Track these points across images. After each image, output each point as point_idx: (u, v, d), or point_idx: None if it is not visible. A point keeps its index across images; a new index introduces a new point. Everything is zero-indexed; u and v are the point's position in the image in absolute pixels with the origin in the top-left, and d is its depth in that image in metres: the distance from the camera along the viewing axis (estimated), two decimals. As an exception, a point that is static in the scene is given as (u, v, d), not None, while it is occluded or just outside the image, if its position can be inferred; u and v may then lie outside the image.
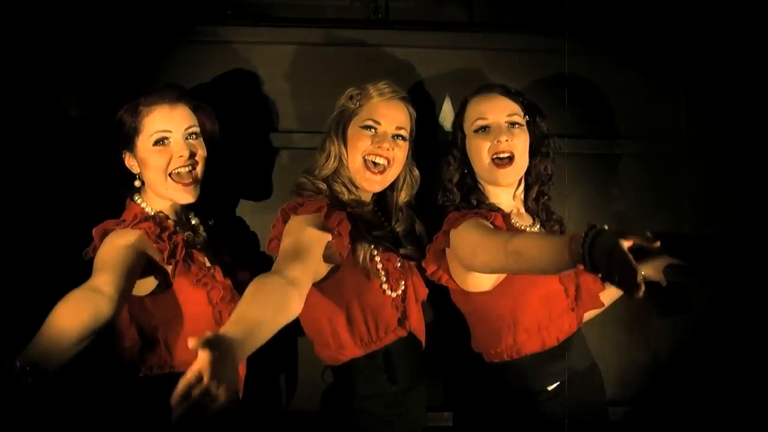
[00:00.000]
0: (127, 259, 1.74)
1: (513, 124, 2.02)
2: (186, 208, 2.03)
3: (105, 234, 1.83)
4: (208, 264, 1.95)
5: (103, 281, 1.67)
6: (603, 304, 2.10)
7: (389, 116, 2.01)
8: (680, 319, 2.42)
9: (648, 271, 2.31)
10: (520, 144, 2.01)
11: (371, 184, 2.01)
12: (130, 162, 1.95)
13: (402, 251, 2.03)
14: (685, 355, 2.41)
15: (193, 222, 2.04)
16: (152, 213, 1.95)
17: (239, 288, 1.94)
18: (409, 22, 2.37)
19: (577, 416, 1.95)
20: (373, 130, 2.00)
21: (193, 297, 1.87)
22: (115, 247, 1.77)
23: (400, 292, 1.98)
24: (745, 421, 2.32)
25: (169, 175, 1.93)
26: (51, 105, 2.16)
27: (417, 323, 2.00)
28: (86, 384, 2.10)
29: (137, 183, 1.96)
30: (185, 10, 2.24)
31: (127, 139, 1.93)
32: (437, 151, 2.15)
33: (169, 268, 1.85)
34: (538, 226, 2.10)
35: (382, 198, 2.12)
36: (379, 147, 1.98)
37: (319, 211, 1.86)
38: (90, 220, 1.88)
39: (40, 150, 2.16)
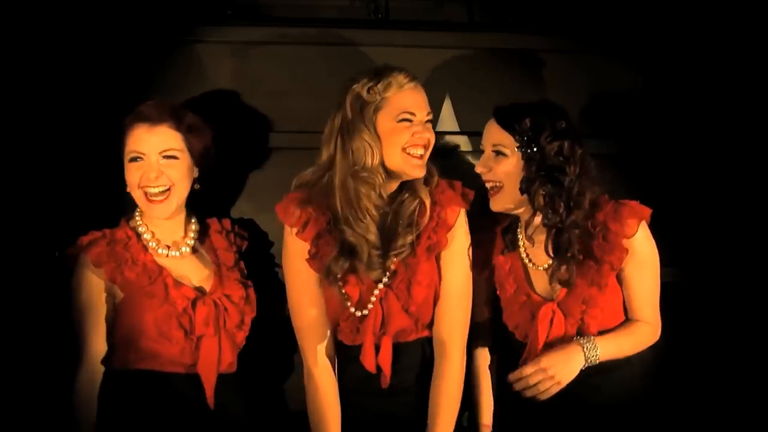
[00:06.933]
0: (99, 304, 1.97)
1: (498, 153, 2.00)
2: (189, 213, 2.06)
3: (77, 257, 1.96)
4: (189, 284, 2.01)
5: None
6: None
7: (419, 104, 1.99)
8: (679, 320, 2.41)
9: None
10: (501, 171, 1.99)
11: (417, 169, 1.99)
12: None
13: (385, 280, 2.00)
14: (685, 356, 2.40)
15: (189, 229, 2.07)
16: (139, 229, 2.01)
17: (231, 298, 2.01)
18: (409, 22, 2.37)
19: (579, 414, 2.00)
20: (409, 123, 1.98)
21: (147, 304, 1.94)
22: (85, 291, 1.96)
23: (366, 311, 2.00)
24: (745, 421, 2.33)
25: (142, 189, 1.96)
26: (50, 107, 2.16)
27: (377, 357, 2.00)
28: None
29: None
30: (185, 10, 2.25)
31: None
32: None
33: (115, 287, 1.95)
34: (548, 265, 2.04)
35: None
36: (419, 137, 1.97)
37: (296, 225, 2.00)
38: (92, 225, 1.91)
39: (41, 153, 2.17)
